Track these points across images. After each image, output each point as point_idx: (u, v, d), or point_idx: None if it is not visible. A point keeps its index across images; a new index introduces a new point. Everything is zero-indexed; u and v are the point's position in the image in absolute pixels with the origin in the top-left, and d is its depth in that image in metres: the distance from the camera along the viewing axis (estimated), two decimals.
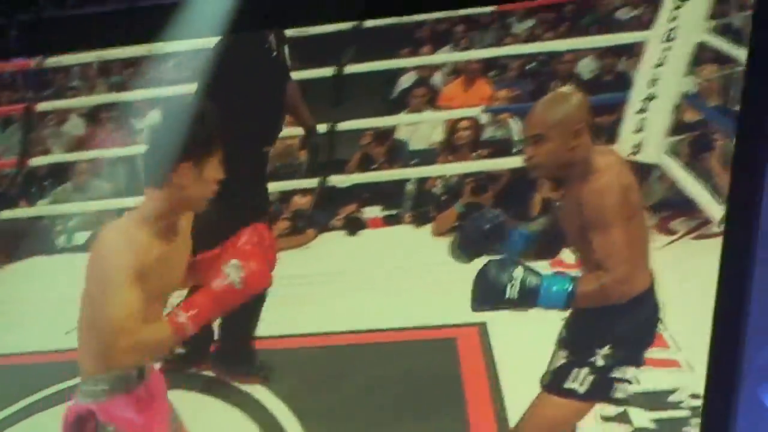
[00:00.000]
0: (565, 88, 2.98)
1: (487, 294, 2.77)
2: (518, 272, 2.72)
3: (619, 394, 2.92)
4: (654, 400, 3.81)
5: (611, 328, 2.86)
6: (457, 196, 5.50)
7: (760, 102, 2.99)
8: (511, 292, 2.71)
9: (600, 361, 2.86)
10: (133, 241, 2.36)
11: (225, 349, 4.29)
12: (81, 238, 6.28)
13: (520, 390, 3.77)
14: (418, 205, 5.67)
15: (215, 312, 2.46)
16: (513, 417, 3.71)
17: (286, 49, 4.30)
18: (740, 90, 5.78)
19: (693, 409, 3.79)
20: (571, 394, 2.88)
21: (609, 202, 2.66)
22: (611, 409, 3.74)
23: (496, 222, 2.99)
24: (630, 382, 2.91)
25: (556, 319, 4.32)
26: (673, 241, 5.24)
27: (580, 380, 2.87)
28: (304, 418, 3.90)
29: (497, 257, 2.82)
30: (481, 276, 2.77)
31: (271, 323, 4.60)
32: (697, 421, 3.67)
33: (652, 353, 3.97)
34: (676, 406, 3.80)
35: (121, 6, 4.14)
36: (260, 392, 4.12)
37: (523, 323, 4.14)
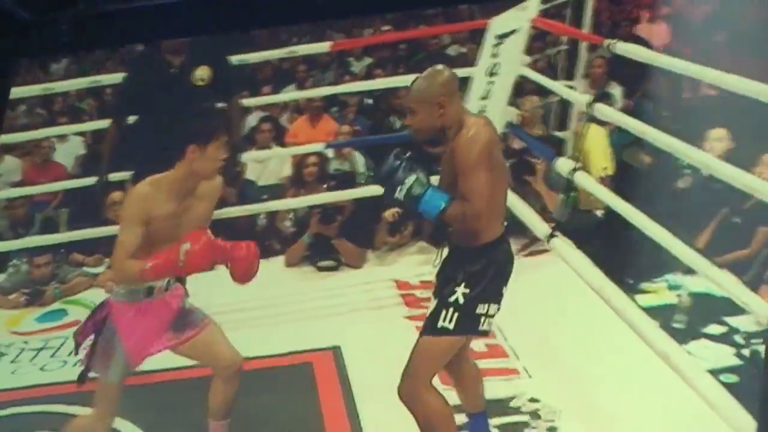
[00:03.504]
0: (437, 67, 3.38)
1: (386, 190, 3.23)
2: (410, 179, 3.17)
3: (484, 327, 3.34)
4: (496, 407, 4.01)
5: (465, 269, 3.30)
6: (305, 228, 5.67)
7: None
8: (399, 194, 3.18)
9: (461, 299, 3.27)
10: (148, 195, 3.31)
11: None
12: None
13: (375, 406, 4.05)
14: (266, 239, 5.77)
15: (164, 273, 3.36)
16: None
17: (203, 71, 4.60)
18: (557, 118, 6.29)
19: (532, 412, 4.05)
20: (444, 331, 3.28)
21: (475, 149, 3.13)
22: (458, 419, 4.01)
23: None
24: (493, 316, 3.35)
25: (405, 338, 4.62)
26: None
27: (448, 318, 3.28)
28: None
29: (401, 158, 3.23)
30: (384, 171, 3.23)
31: None
32: (536, 422, 3.99)
33: (491, 363, 4.34)
34: (517, 411, 4.04)
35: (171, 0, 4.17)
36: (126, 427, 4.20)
37: (374, 343, 4.44)
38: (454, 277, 3.31)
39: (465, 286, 3.28)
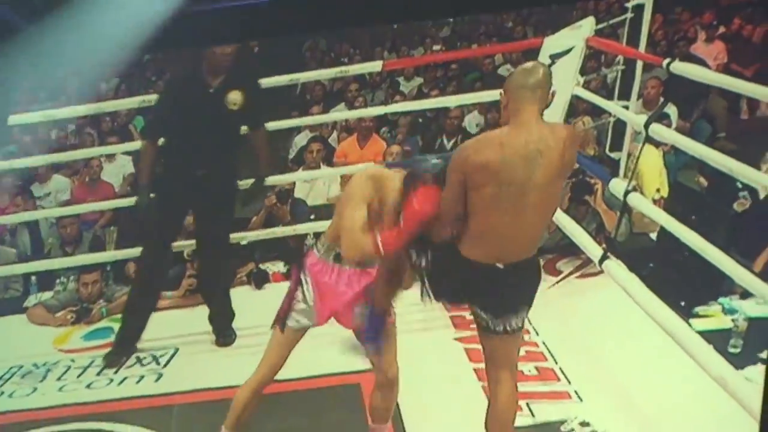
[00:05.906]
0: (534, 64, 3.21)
1: None
2: None
3: None
4: (546, 430, 3.96)
5: None
6: None
7: None
8: None
9: None
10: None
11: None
12: None
13: (424, 426, 4.00)
14: None
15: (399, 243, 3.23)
16: None
17: (236, 95, 4.71)
18: (611, 138, 6.23)
19: None
20: None
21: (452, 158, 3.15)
22: None
23: None
24: None
25: (453, 360, 4.58)
26: (559, 281, 5.51)
27: None
28: None
29: None
30: None
31: (182, 378, 4.70)
32: None
33: (542, 386, 4.27)
34: None
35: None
36: None
37: (423, 364, 4.40)
38: None
39: None
